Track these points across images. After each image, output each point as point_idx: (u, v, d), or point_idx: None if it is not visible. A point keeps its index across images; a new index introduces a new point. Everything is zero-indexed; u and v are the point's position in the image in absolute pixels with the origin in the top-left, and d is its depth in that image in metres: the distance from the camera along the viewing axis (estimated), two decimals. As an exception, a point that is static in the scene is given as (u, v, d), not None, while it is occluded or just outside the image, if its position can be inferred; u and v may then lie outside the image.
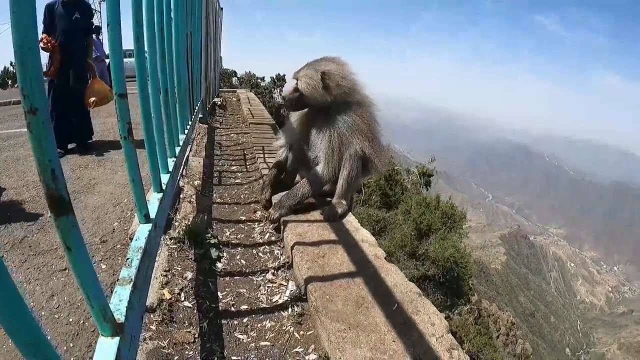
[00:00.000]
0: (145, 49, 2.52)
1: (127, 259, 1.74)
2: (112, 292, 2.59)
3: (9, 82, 22.26)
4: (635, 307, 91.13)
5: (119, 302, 1.50)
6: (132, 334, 1.51)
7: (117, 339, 1.34)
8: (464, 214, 11.73)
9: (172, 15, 3.62)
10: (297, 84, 3.30)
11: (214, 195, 4.27)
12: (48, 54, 6.23)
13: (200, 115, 6.91)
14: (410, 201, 11.31)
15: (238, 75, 22.36)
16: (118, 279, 1.62)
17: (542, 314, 66.62)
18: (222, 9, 12.00)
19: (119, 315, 1.43)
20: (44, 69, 6.37)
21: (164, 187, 2.51)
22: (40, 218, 4.21)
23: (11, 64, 22.14)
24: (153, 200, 2.33)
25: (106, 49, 11.17)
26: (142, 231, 1.97)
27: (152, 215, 2.11)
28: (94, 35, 8.10)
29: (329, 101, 3.28)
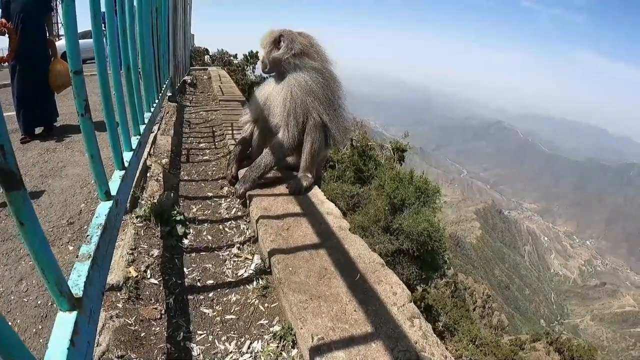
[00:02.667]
0: (104, 25, 2.48)
1: (87, 235, 1.74)
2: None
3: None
4: (607, 279, 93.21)
5: (77, 277, 1.50)
6: (92, 308, 1.51)
7: (74, 313, 1.34)
8: (437, 189, 11.79)
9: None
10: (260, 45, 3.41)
11: (182, 172, 4.26)
12: (7, 37, 6.09)
13: (169, 94, 6.85)
14: (384, 176, 11.35)
15: (210, 53, 22.08)
16: (77, 256, 1.62)
17: (517, 287, 67.83)
18: (190, -15, 11.82)
19: (77, 290, 1.43)
20: (3, 54, 6.26)
21: (126, 164, 2.49)
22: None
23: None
24: (115, 177, 2.32)
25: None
26: (102, 208, 1.95)
27: (113, 192, 2.09)
28: None
29: (282, 60, 3.34)
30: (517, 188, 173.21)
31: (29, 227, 1.12)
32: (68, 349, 1.23)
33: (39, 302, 2.77)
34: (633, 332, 65.58)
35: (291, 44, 3.30)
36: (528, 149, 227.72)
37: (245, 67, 20.00)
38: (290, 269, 2.30)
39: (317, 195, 3.35)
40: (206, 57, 21.51)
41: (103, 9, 2.32)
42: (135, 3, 3.59)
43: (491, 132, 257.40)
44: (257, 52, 20.17)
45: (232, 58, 20.97)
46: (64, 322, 1.32)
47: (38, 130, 6.68)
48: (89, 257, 1.61)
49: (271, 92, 3.52)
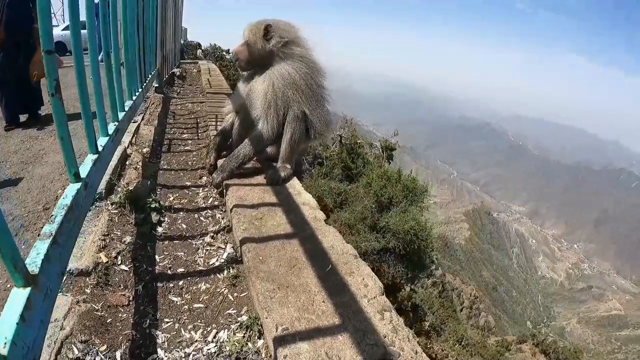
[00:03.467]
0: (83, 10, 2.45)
1: (52, 215, 1.72)
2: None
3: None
4: (594, 283, 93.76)
5: (35, 255, 1.48)
6: (49, 287, 1.49)
7: (28, 289, 1.32)
8: (425, 188, 11.80)
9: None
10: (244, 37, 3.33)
11: (162, 162, 4.23)
12: None
13: (155, 85, 6.81)
14: (372, 174, 11.35)
15: (203, 48, 22.04)
16: (39, 234, 1.60)
17: (505, 289, 68.16)
18: (182, -25, 11.75)
19: (34, 267, 1.41)
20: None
21: (100, 148, 2.47)
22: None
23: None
24: (86, 160, 2.30)
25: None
26: (70, 189, 1.94)
27: (83, 175, 2.07)
28: None
29: (267, 51, 3.33)
30: (507, 190, 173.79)
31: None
32: (17, 323, 1.21)
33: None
34: (619, 335, 66.06)
35: (281, 35, 3.30)
36: (518, 151, 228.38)
37: (237, 62, 19.96)
38: (261, 257, 2.29)
39: (294, 186, 3.33)
40: (198, 51, 21.46)
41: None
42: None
43: (482, 133, 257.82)
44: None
45: (224, 53, 20.95)
46: (17, 297, 1.31)
47: (23, 118, 6.63)
48: (50, 236, 1.59)
49: (253, 84, 3.49)
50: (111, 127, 2.91)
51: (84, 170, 2.12)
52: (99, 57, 2.64)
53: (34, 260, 1.45)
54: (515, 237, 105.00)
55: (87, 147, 2.41)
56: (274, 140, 3.43)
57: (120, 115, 3.33)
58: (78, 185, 1.99)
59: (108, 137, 2.73)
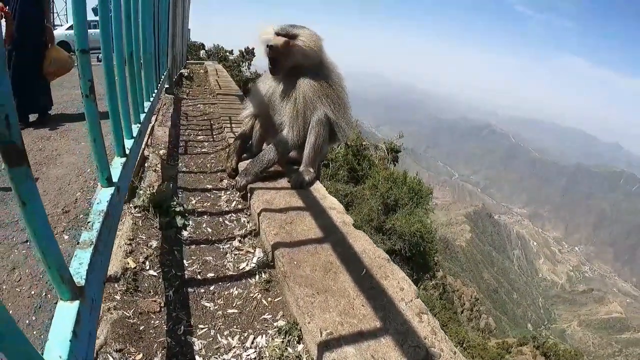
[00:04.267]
0: (111, 7, 2.42)
1: (88, 222, 1.67)
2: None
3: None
4: (595, 286, 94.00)
5: (79, 265, 1.43)
6: (93, 297, 1.44)
7: (76, 302, 1.27)
8: (430, 190, 11.80)
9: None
10: (289, 40, 3.25)
11: (180, 164, 4.19)
12: (4, 22, 5.99)
13: (166, 86, 6.78)
14: (378, 176, 11.33)
15: (206, 48, 22.04)
16: (78, 242, 1.56)
17: (505, 291, 68.23)
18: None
19: (79, 278, 1.36)
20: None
21: (127, 151, 2.43)
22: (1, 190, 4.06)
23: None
24: (115, 164, 2.25)
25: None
26: (103, 194, 1.89)
27: (115, 179, 2.03)
28: None
29: (303, 64, 3.30)
30: (507, 191, 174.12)
31: (31, 207, 1.05)
32: (70, 340, 1.16)
33: (32, 293, 2.69)
34: (619, 338, 66.17)
35: (316, 47, 3.29)
36: (519, 153, 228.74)
37: (241, 63, 19.97)
38: (295, 262, 2.26)
39: (319, 190, 3.32)
40: (202, 52, 21.47)
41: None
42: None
43: (482, 135, 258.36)
44: (253, 49, 20.15)
45: (227, 54, 20.93)
46: (66, 312, 1.24)
47: (32, 117, 6.60)
48: (90, 244, 1.54)
49: (276, 89, 3.49)
50: (135, 129, 2.88)
51: (115, 174, 2.07)
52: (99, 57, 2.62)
53: (77, 271, 1.40)
54: (517, 239, 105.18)
55: (115, 149, 2.38)
56: (299, 145, 3.41)
57: (142, 116, 3.30)
58: (111, 189, 1.94)
59: (133, 140, 2.70)
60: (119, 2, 2.64)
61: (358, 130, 13.75)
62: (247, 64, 20.09)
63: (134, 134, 2.77)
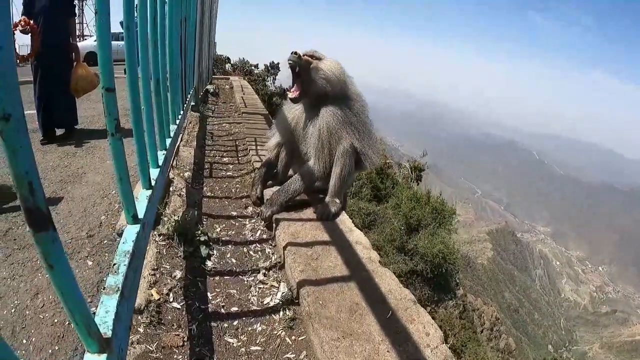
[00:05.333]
0: (137, 37, 2.41)
1: (114, 264, 1.65)
2: (98, 290, 2.51)
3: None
4: (618, 307, 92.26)
5: (105, 313, 1.41)
6: (120, 346, 1.43)
7: (104, 356, 1.25)
8: (454, 210, 11.71)
9: (166, 0, 3.50)
10: (313, 61, 3.28)
11: (205, 188, 4.18)
12: (29, 35, 6.06)
13: (192, 103, 6.81)
14: (401, 195, 11.28)
15: (232, 62, 22.17)
16: (104, 287, 1.53)
17: (527, 311, 67.28)
18: (218, -8, 11.89)
19: (106, 329, 1.34)
20: (27, 52, 6.26)
21: (153, 183, 2.42)
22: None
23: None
24: (141, 197, 2.24)
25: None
26: (129, 233, 1.87)
27: (140, 215, 2.01)
28: None
29: (328, 93, 3.29)
30: (530, 209, 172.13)
31: (59, 271, 1.03)
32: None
33: (56, 320, 2.67)
34: (642, 361, 64.88)
35: (340, 76, 3.30)
36: (541, 169, 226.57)
37: (266, 77, 20.10)
38: (321, 302, 2.22)
39: (344, 222, 3.28)
40: (227, 65, 21.61)
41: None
42: (166, 14, 3.53)
43: (505, 151, 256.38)
44: (277, 64, 20.30)
45: (253, 67, 21.07)
46: (94, 365, 1.23)
47: (59, 132, 6.65)
48: (117, 290, 1.52)
49: (301, 118, 3.51)
50: (160, 157, 2.87)
51: (140, 209, 2.05)
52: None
53: (104, 321, 1.38)
54: (539, 258, 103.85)
55: (140, 181, 2.37)
56: (325, 176, 3.39)
57: (167, 142, 3.29)
58: (137, 227, 1.92)
59: (159, 169, 2.69)
60: (145, 29, 2.64)
61: (382, 148, 13.71)
62: (272, 78, 20.21)
63: (160, 163, 2.77)
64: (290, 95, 3.37)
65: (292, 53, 3.25)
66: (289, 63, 3.28)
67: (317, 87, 3.28)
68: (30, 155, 0.89)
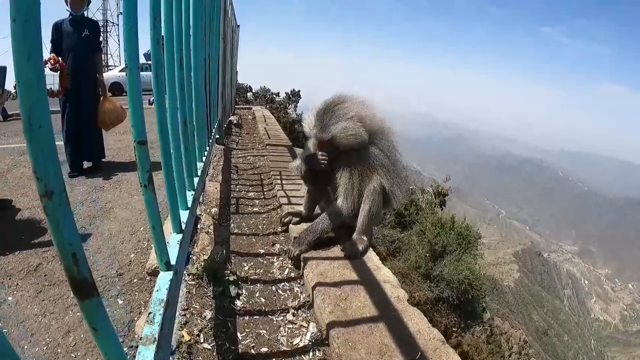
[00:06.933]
0: (165, 84, 2.46)
1: (150, 313, 1.68)
2: (129, 330, 2.54)
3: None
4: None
5: (142, 366, 1.44)
6: (157, 397, 1.46)
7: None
8: (478, 234, 11.62)
9: (191, 42, 3.56)
10: (329, 140, 3.22)
11: (232, 225, 4.22)
12: (58, 73, 6.20)
13: (216, 136, 6.88)
14: (425, 221, 11.23)
15: (253, 91, 22.37)
16: (141, 338, 1.57)
17: (556, 333, 66.02)
18: (238, 26, 12.05)
19: (144, 384, 1.38)
20: (56, 87, 6.39)
21: (183, 226, 2.45)
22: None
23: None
24: (172, 242, 2.28)
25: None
26: (163, 280, 1.90)
27: (173, 261, 2.04)
28: None
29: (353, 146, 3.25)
30: (555, 227, 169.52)
31: (103, 333, 1.07)
32: None
33: (88, 360, 2.71)
34: (675, 382, 63.28)
35: (371, 122, 3.29)
36: (567, 187, 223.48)
37: (287, 105, 20.26)
38: (350, 344, 2.23)
39: (372, 259, 3.28)
40: (249, 94, 21.80)
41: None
42: (191, 54, 3.59)
43: (528, 170, 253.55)
44: (299, 91, 20.48)
45: (274, 96, 21.25)
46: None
47: (86, 164, 6.76)
48: (153, 341, 1.55)
49: (333, 160, 3.42)
50: (189, 197, 2.91)
51: (173, 256, 2.09)
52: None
53: (142, 375, 1.41)
54: (567, 278, 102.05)
55: (171, 225, 2.41)
56: (354, 215, 3.39)
57: (195, 181, 3.34)
58: (170, 274, 1.96)
59: (188, 211, 2.73)
60: (173, 73, 2.69)
61: (405, 174, 13.70)
62: (293, 106, 20.37)
63: (189, 204, 2.80)
64: (321, 163, 3.33)
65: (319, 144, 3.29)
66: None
67: (343, 148, 3.27)
68: (72, 228, 0.93)
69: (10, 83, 4.84)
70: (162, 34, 2.39)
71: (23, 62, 0.82)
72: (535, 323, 60.52)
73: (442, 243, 10.40)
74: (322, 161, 3.29)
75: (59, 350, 2.74)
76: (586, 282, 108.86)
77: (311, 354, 2.39)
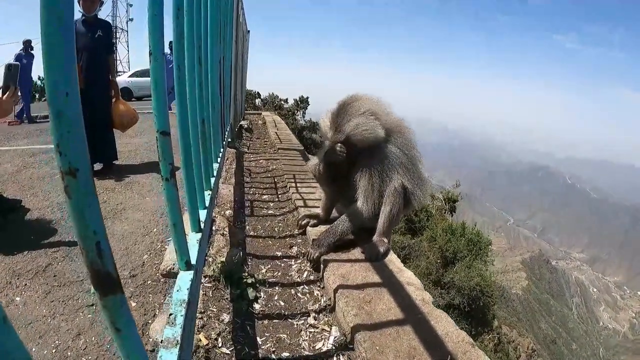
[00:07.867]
0: (186, 79, 2.40)
1: (171, 314, 1.60)
2: (143, 333, 2.46)
3: (37, 95, 22.51)
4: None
5: (164, 371, 1.36)
6: (180, 402, 1.37)
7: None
8: (489, 241, 11.53)
9: (209, 40, 3.51)
10: (345, 140, 3.19)
11: (247, 227, 4.17)
12: None
13: (229, 140, 6.84)
14: (436, 228, 11.17)
15: (262, 97, 22.41)
16: (162, 340, 1.48)
17: (564, 341, 65.69)
18: (249, 32, 12.08)
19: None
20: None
21: (202, 225, 2.38)
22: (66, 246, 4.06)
23: (39, 78, 22.27)
24: (192, 241, 2.20)
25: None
26: (183, 280, 1.82)
27: (193, 261, 1.96)
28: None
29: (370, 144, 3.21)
30: (565, 235, 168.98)
31: (126, 335, 0.98)
32: None
33: (98, 363, 2.63)
34: (685, 391, 62.94)
35: (386, 118, 3.26)
36: (575, 194, 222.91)
37: (296, 111, 20.31)
38: (377, 348, 2.15)
39: (394, 262, 3.21)
40: (257, 100, 21.85)
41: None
42: (208, 54, 3.54)
43: (537, 177, 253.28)
44: (307, 98, 20.53)
45: (282, 102, 21.29)
46: None
47: (97, 166, 6.72)
48: (176, 344, 1.47)
49: (352, 159, 3.35)
50: (207, 197, 2.84)
51: (193, 256, 2.01)
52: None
53: (165, 381, 1.33)
54: (575, 286, 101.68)
55: (190, 225, 2.34)
56: (373, 216, 3.32)
57: (212, 181, 3.28)
58: (190, 274, 1.87)
59: (206, 210, 2.66)
60: (193, 69, 2.63)
61: (425, 173, 13.68)
62: (301, 112, 20.41)
63: (207, 203, 2.73)
64: (339, 154, 3.26)
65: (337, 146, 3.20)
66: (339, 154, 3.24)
67: (359, 147, 3.22)
68: (98, 214, 0.84)
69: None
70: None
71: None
72: (543, 331, 60.30)
73: (452, 249, 10.34)
74: (341, 153, 3.21)
75: (69, 354, 2.66)
76: (595, 290, 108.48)
77: (335, 358, 2.31)
